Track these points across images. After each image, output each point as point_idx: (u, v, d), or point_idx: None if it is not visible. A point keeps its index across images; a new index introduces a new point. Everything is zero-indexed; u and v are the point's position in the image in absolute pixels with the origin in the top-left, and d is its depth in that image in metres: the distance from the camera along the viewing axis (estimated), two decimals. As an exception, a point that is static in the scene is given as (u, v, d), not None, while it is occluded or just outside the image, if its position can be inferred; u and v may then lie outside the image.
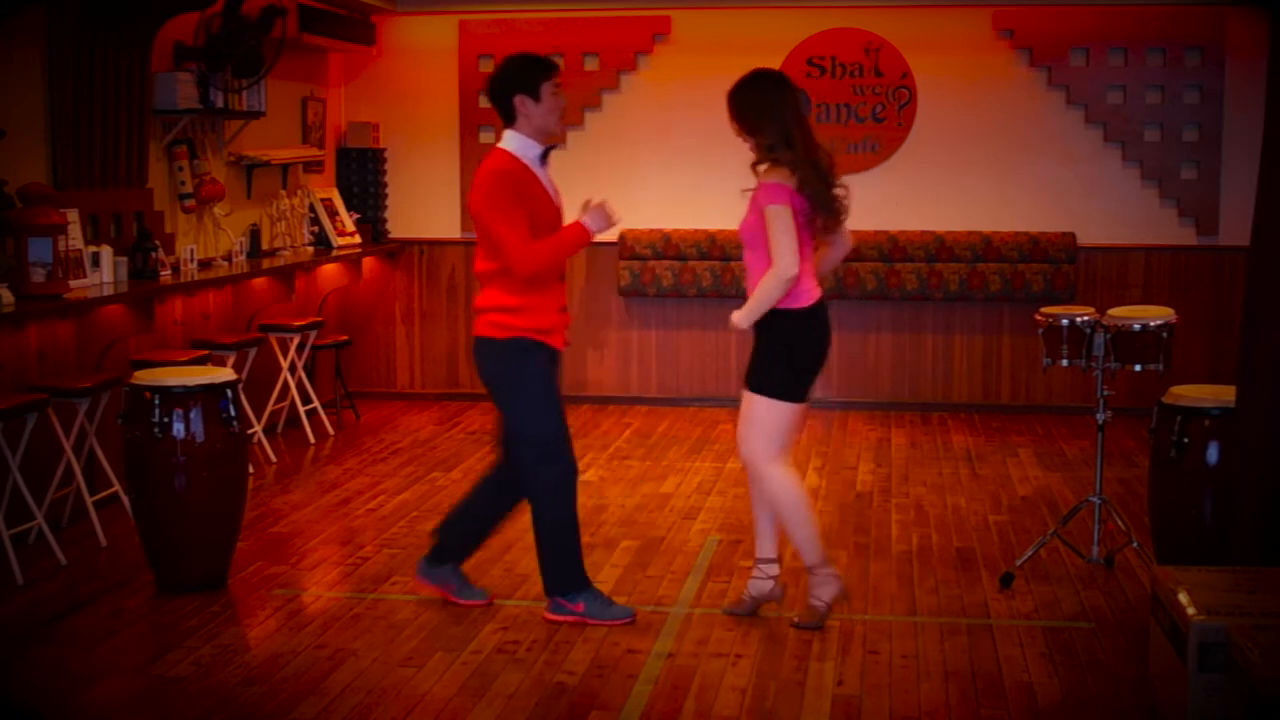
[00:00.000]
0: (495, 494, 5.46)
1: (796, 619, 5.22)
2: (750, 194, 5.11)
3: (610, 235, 9.58)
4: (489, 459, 5.63)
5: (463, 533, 5.50)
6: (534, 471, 5.20)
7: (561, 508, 5.23)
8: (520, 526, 6.53)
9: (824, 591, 5.19)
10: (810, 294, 5.09)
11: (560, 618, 5.25)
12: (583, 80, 9.74)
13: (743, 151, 5.48)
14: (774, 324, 5.06)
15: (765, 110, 5.07)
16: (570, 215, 5.29)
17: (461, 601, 5.43)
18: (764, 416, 5.11)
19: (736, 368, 9.61)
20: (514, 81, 5.18)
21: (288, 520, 6.73)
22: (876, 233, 9.47)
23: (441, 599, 5.45)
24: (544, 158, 5.25)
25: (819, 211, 5.05)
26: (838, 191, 5.10)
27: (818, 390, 4.97)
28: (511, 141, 5.19)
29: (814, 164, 5.03)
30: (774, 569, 5.29)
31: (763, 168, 5.09)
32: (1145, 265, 9.38)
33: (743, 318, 5.06)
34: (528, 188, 5.14)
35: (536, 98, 5.16)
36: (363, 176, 9.88)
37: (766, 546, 5.29)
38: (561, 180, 9.98)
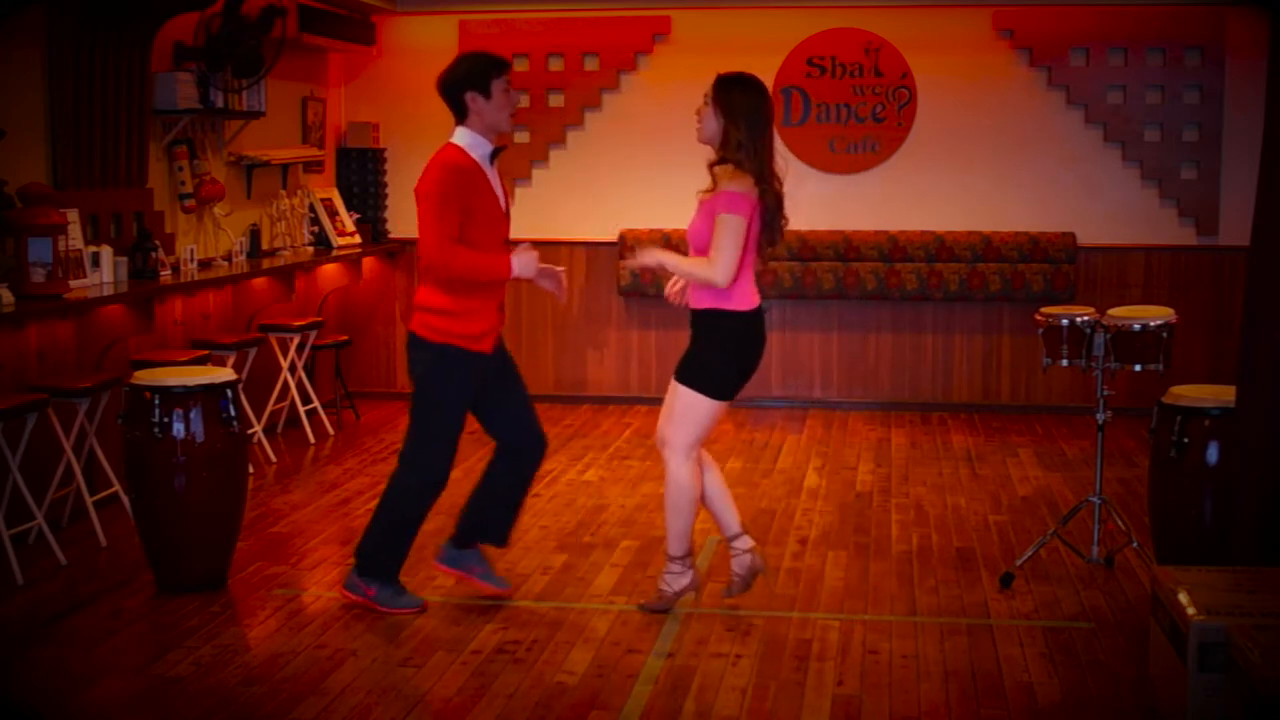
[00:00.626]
0: (508, 472, 5.50)
1: (643, 603, 5.38)
2: (704, 197, 5.11)
3: (610, 235, 9.68)
4: (487, 454, 5.64)
5: (485, 519, 5.52)
6: (402, 467, 5.32)
7: (411, 508, 5.34)
8: (521, 527, 6.55)
9: (676, 582, 5.32)
10: (746, 299, 5.15)
11: (353, 596, 5.38)
12: (583, 80, 9.74)
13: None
14: (719, 323, 5.12)
15: (753, 114, 5.08)
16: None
17: (483, 586, 5.45)
18: (693, 410, 5.19)
19: (736, 368, 9.62)
20: (465, 78, 5.22)
21: (288, 520, 6.73)
22: (876, 233, 9.47)
23: (460, 579, 5.49)
24: (493, 158, 5.28)
25: (763, 232, 5.12)
26: (783, 220, 5.18)
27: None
28: (463, 137, 5.23)
29: (775, 189, 5.10)
30: (746, 541, 5.36)
31: (722, 169, 5.08)
32: (1145, 265, 9.38)
33: (658, 258, 5.15)
34: (475, 184, 5.18)
35: (487, 95, 5.20)
36: (363, 176, 9.88)
37: (730, 525, 5.37)
38: (561, 179, 10.08)
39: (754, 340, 5.22)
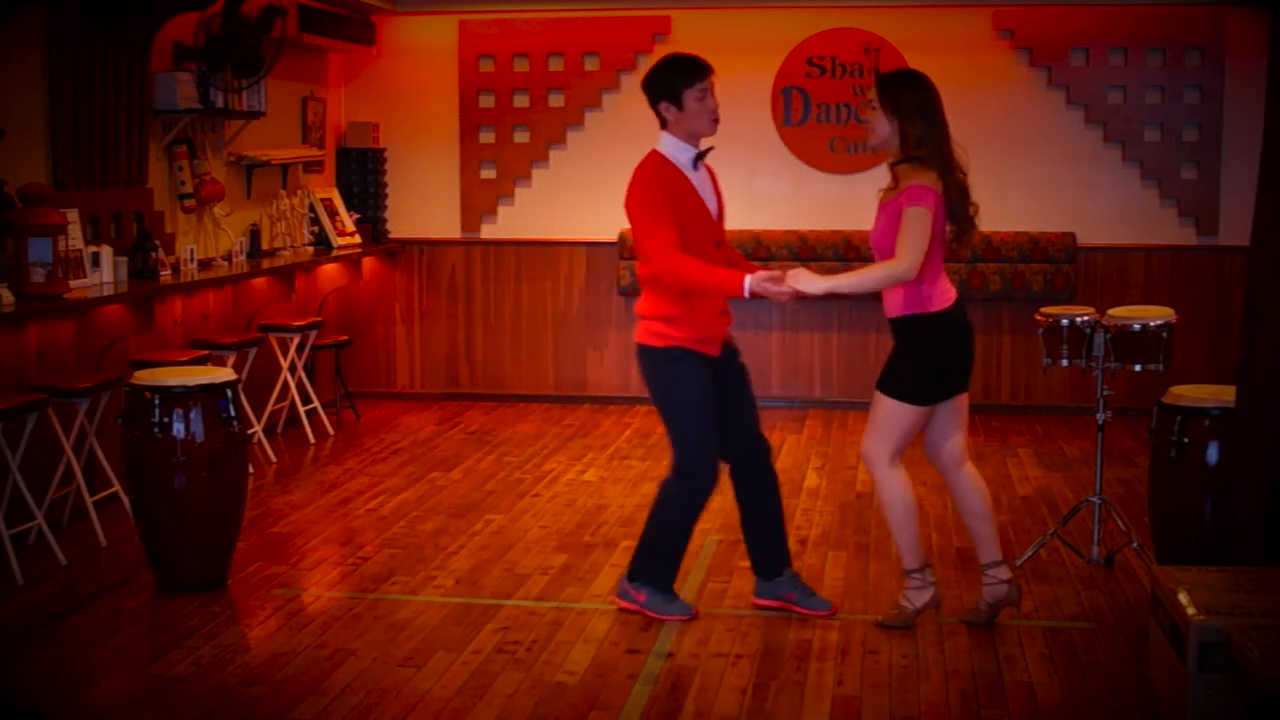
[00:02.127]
0: (752, 492, 5.42)
1: (882, 618, 5.21)
2: (885, 198, 5.01)
3: (610, 235, 9.67)
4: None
5: (764, 544, 5.44)
6: (670, 475, 5.27)
7: (679, 515, 5.28)
8: (520, 527, 6.55)
9: (917, 598, 5.17)
10: (945, 297, 5.02)
11: (624, 604, 5.33)
12: (583, 80, 9.74)
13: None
14: (910, 328, 5.01)
15: (926, 108, 4.98)
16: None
17: (803, 610, 5.34)
18: (892, 418, 5.07)
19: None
20: (657, 88, 5.18)
21: (288, 520, 6.73)
22: (876, 233, 9.46)
23: (780, 609, 5.37)
24: (697, 161, 5.20)
25: (952, 221, 5.00)
26: (971, 208, 5.04)
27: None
28: (665, 144, 5.19)
29: (959, 180, 4.97)
30: (1004, 572, 5.21)
31: (904, 167, 4.98)
32: (1145, 265, 9.38)
33: (823, 284, 4.95)
34: (677, 189, 5.12)
35: (679, 105, 5.14)
36: (363, 176, 9.88)
37: (989, 551, 5.21)
38: (561, 179, 10.07)
39: (961, 337, 5.07)
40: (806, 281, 4.94)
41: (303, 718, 4.37)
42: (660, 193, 5.08)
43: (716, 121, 5.19)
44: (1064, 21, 9.29)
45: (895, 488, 5.11)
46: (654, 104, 5.19)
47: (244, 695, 4.55)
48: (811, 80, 9.53)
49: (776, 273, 5.05)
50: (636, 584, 5.32)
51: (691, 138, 5.18)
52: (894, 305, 5.04)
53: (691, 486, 5.23)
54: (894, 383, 5.06)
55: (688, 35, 9.59)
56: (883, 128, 5.01)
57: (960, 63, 9.43)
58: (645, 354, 5.25)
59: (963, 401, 5.17)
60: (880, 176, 9.77)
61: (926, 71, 9.60)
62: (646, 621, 5.24)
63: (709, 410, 5.19)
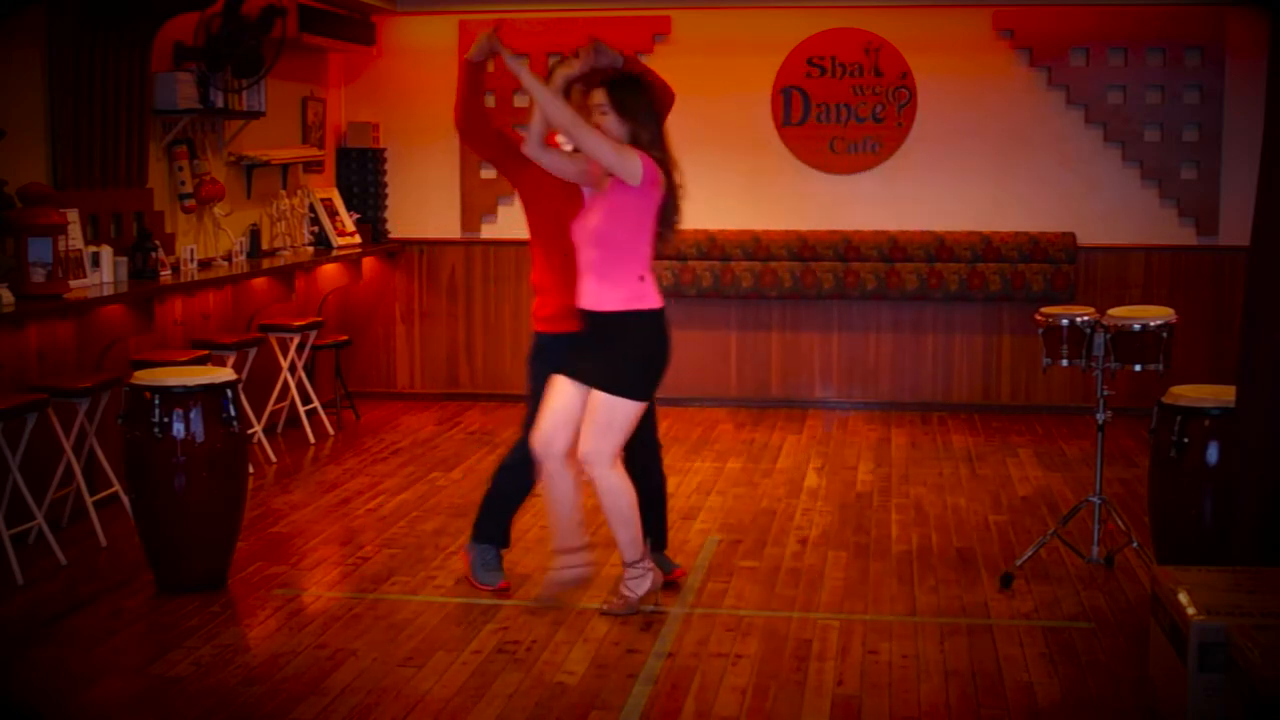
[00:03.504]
0: (514, 471, 5.64)
1: (605, 606, 5.32)
2: (604, 185, 5.11)
3: (610, 235, 9.67)
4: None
5: (492, 515, 5.71)
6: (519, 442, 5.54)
7: (504, 479, 5.63)
8: (520, 527, 6.54)
9: (638, 585, 5.29)
10: (659, 295, 5.17)
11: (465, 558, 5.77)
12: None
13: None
14: (632, 325, 5.11)
15: (651, 111, 5.12)
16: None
17: (476, 584, 5.61)
18: (616, 418, 5.10)
19: (736, 368, 9.62)
20: None
21: (288, 520, 6.73)
22: (876, 233, 9.47)
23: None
24: None
25: (659, 224, 5.11)
26: (675, 216, 5.17)
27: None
28: None
29: (676, 181, 5.12)
30: (584, 556, 5.36)
31: None
32: (1145, 265, 9.38)
33: (526, 74, 5.13)
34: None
35: None
36: (363, 176, 9.88)
37: (571, 537, 5.32)
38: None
39: (665, 338, 5.24)
40: (514, 61, 5.21)
41: (303, 718, 4.37)
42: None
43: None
44: (1064, 21, 9.30)
45: (620, 487, 5.17)
46: None
47: (244, 695, 4.55)
48: (811, 80, 9.52)
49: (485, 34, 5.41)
50: (470, 544, 5.67)
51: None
52: (613, 301, 5.10)
53: (515, 459, 5.53)
54: (623, 383, 5.10)
55: (688, 35, 9.60)
56: (617, 129, 5.10)
57: (960, 63, 9.44)
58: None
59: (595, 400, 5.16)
60: (880, 177, 9.86)
61: (926, 71, 9.70)
62: (646, 621, 5.24)
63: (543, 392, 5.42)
